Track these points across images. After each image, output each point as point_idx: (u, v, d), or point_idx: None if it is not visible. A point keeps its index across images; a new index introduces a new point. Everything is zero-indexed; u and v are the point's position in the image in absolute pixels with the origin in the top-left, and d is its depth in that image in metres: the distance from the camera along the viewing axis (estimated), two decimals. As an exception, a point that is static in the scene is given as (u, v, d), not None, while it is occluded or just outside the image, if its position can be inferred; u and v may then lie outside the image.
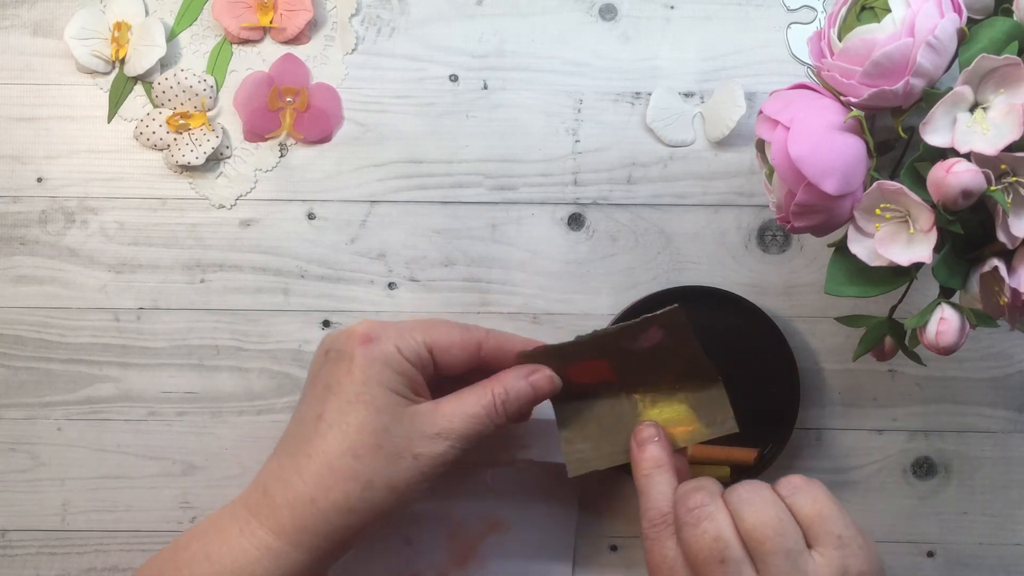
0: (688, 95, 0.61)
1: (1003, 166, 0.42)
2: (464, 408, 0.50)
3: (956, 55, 0.45)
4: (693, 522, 0.46)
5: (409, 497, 0.49)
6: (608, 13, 0.61)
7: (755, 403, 0.59)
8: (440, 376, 0.52)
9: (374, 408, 0.48)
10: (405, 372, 0.50)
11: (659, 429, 0.53)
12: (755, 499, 0.46)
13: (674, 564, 0.47)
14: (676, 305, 0.50)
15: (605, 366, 0.53)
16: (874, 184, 0.45)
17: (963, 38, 0.45)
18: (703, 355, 0.53)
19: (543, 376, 0.52)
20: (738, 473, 0.58)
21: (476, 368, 0.53)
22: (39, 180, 0.60)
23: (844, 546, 0.45)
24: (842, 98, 0.47)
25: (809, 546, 0.46)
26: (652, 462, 0.51)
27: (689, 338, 0.52)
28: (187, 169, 0.60)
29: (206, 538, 0.49)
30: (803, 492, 0.47)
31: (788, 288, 0.60)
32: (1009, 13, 0.45)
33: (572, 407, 0.55)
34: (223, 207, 0.60)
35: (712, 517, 0.46)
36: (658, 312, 0.51)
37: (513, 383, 0.52)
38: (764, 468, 0.58)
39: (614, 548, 0.61)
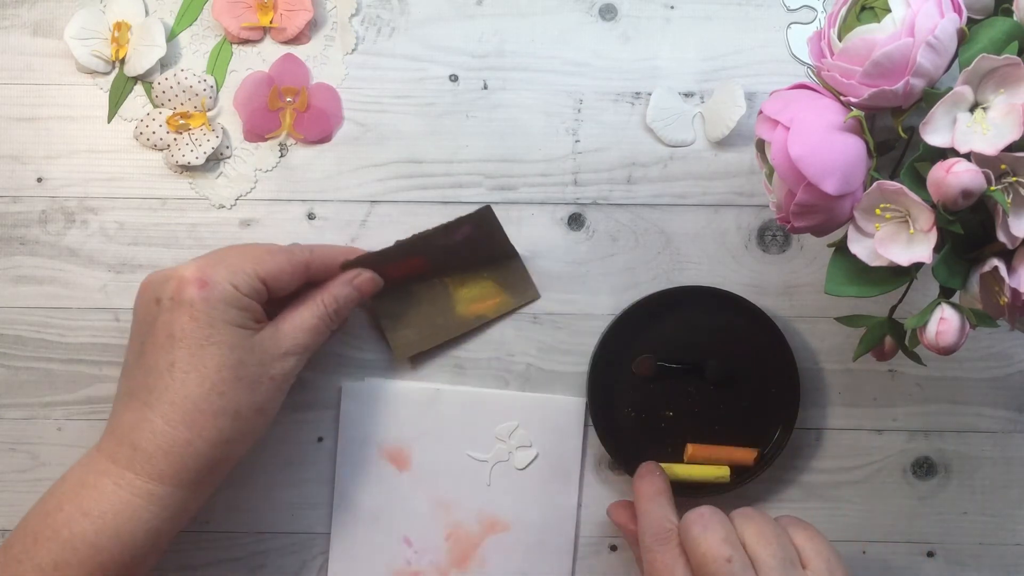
0: (688, 95, 0.61)
1: (1003, 166, 0.42)
2: (302, 323, 0.54)
3: (956, 55, 0.45)
4: (703, 526, 0.50)
5: (273, 413, 0.53)
6: (608, 13, 0.61)
7: (755, 403, 0.59)
8: (273, 298, 0.54)
9: (226, 347, 0.50)
10: (245, 307, 0.52)
11: (659, 466, 0.57)
12: (757, 516, 0.51)
13: (674, 569, 0.49)
14: (487, 204, 0.56)
15: (420, 260, 0.58)
16: (874, 184, 0.45)
17: (963, 38, 0.45)
18: (507, 239, 0.58)
19: (365, 279, 0.57)
20: (738, 473, 0.59)
21: (305, 284, 0.56)
22: (39, 180, 0.60)
23: (832, 571, 0.49)
24: (842, 98, 0.47)
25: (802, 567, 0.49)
26: (655, 488, 0.55)
27: (496, 229, 0.58)
28: (187, 169, 0.60)
29: (78, 498, 0.49)
30: (798, 525, 0.51)
31: (788, 288, 0.60)
32: (1009, 13, 0.45)
33: (390, 299, 0.59)
34: (223, 207, 0.60)
35: (721, 524, 0.50)
36: (471, 213, 0.56)
37: (340, 290, 0.56)
38: (764, 468, 0.59)
39: (614, 548, 0.61)
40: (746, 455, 0.59)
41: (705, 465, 0.58)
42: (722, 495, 0.59)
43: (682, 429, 0.59)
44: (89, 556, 0.48)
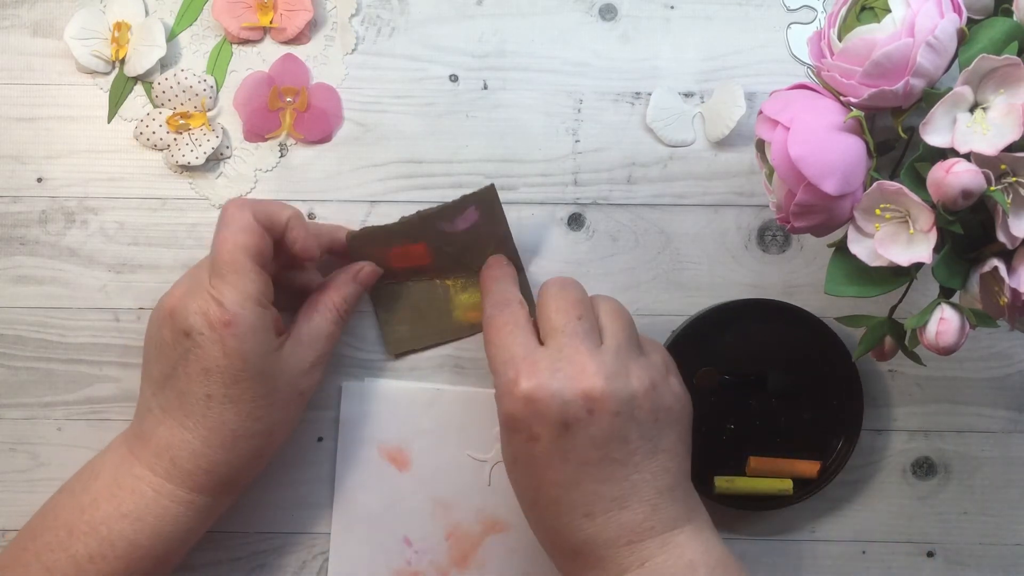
0: (688, 95, 0.61)
1: (1003, 166, 0.42)
2: (319, 332, 0.55)
3: (956, 55, 0.45)
4: (561, 286, 0.53)
5: (299, 419, 0.56)
6: (608, 13, 0.61)
7: (817, 415, 0.59)
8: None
9: (259, 377, 0.52)
10: (269, 322, 0.52)
11: (506, 259, 0.59)
12: (614, 301, 0.54)
13: (514, 328, 0.52)
14: (491, 184, 0.56)
15: (423, 249, 0.58)
16: (874, 184, 0.45)
17: (963, 38, 0.45)
18: (512, 239, 0.58)
19: (368, 272, 0.58)
20: (801, 486, 0.58)
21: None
22: (39, 180, 0.60)
23: (661, 370, 0.52)
24: (842, 98, 0.47)
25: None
26: (501, 272, 0.57)
27: (501, 219, 0.57)
28: (187, 169, 0.60)
29: (115, 499, 0.51)
30: (648, 338, 0.55)
31: (788, 288, 0.60)
32: (1009, 13, 0.45)
33: (389, 292, 0.59)
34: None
35: (578, 288, 0.54)
36: (474, 191, 0.56)
37: (348, 289, 0.57)
38: (828, 480, 0.58)
39: (614, 548, 0.61)
40: (809, 468, 0.58)
41: (767, 478, 0.58)
42: (786, 508, 0.59)
43: (744, 442, 0.59)
44: (127, 552, 0.51)
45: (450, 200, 0.57)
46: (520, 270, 0.60)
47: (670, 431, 0.51)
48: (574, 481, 0.50)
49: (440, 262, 0.59)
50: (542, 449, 0.50)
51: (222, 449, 0.52)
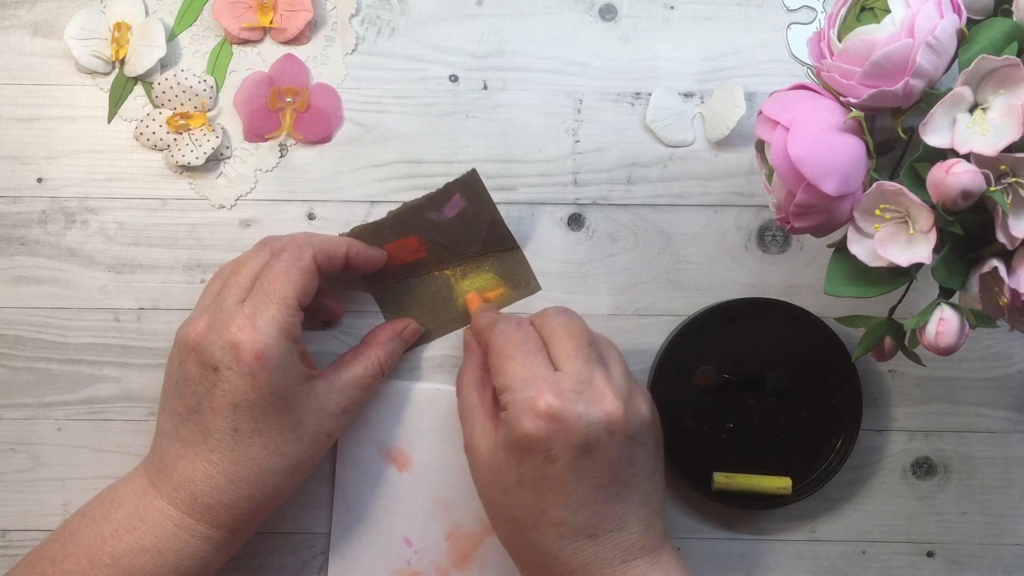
0: (688, 95, 0.61)
1: (1003, 167, 0.42)
2: (356, 381, 0.56)
3: (956, 56, 0.45)
4: (566, 314, 0.53)
5: (320, 461, 0.55)
6: (608, 13, 0.61)
7: (816, 414, 0.59)
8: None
9: (287, 410, 0.52)
10: (299, 359, 0.53)
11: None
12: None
13: (537, 347, 0.52)
14: (472, 168, 0.57)
15: (416, 242, 0.59)
16: (874, 184, 0.45)
17: (963, 39, 0.45)
18: (502, 220, 0.59)
19: (412, 330, 0.59)
20: (799, 486, 0.59)
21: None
22: (39, 180, 0.60)
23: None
24: (842, 99, 0.47)
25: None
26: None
27: (488, 202, 0.58)
28: (187, 169, 0.60)
29: (137, 532, 0.51)
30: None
31: (788, 288, 0.60)
32: (1009, 14, 0.45)
33: (391, 291, 0.60)
34: (223, 207, 0.60)
35: (578, 315, 0.54)
36: (456, 178, 0.57)
37: (392, 345, 0.58)
38: (827, 479, 0.58)
39: (614, 548, 0.61)
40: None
41: (766, 476, 0.58)
42: (786, 508, 0.59)
43: (743, 441, 0.59)
44: None
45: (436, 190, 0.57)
46: (516, 248, 0.60)
47: (659, 452, 0.53)
48: (583, 502, 0.50)
49: (435, 253, 0.59)
50: (558, 471, 0.49)
51: (246, 484, 0.51)
